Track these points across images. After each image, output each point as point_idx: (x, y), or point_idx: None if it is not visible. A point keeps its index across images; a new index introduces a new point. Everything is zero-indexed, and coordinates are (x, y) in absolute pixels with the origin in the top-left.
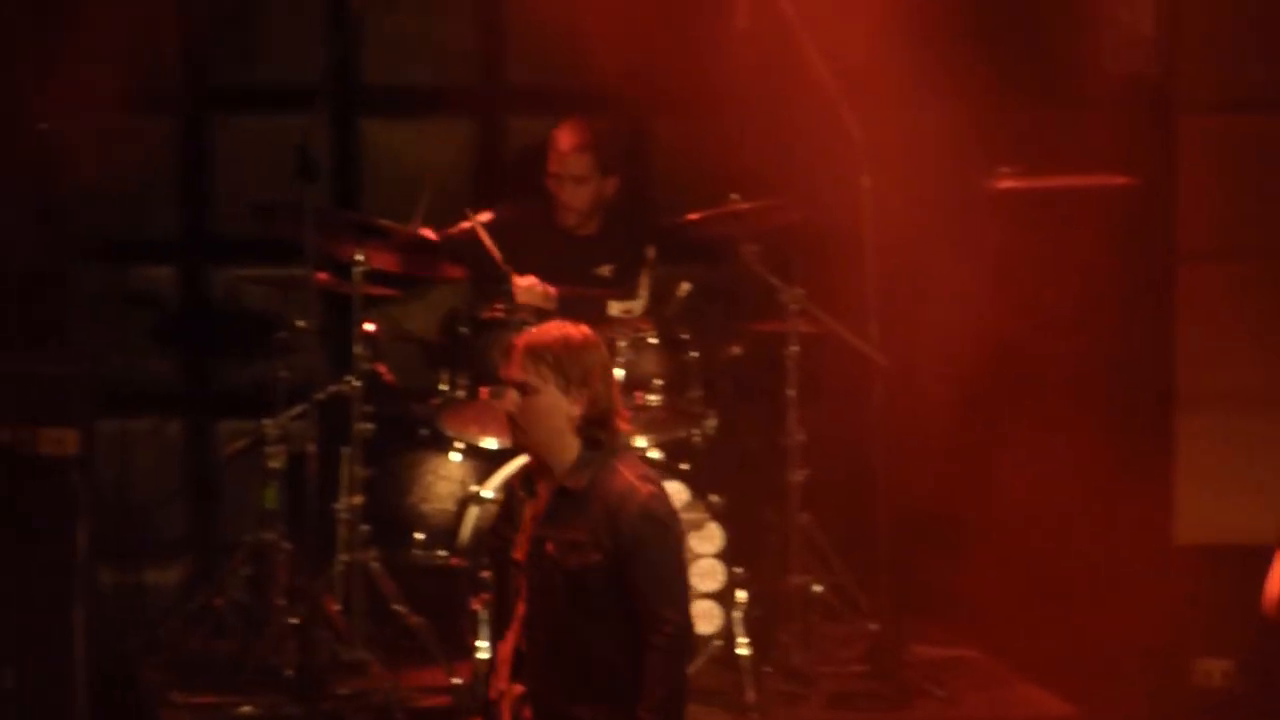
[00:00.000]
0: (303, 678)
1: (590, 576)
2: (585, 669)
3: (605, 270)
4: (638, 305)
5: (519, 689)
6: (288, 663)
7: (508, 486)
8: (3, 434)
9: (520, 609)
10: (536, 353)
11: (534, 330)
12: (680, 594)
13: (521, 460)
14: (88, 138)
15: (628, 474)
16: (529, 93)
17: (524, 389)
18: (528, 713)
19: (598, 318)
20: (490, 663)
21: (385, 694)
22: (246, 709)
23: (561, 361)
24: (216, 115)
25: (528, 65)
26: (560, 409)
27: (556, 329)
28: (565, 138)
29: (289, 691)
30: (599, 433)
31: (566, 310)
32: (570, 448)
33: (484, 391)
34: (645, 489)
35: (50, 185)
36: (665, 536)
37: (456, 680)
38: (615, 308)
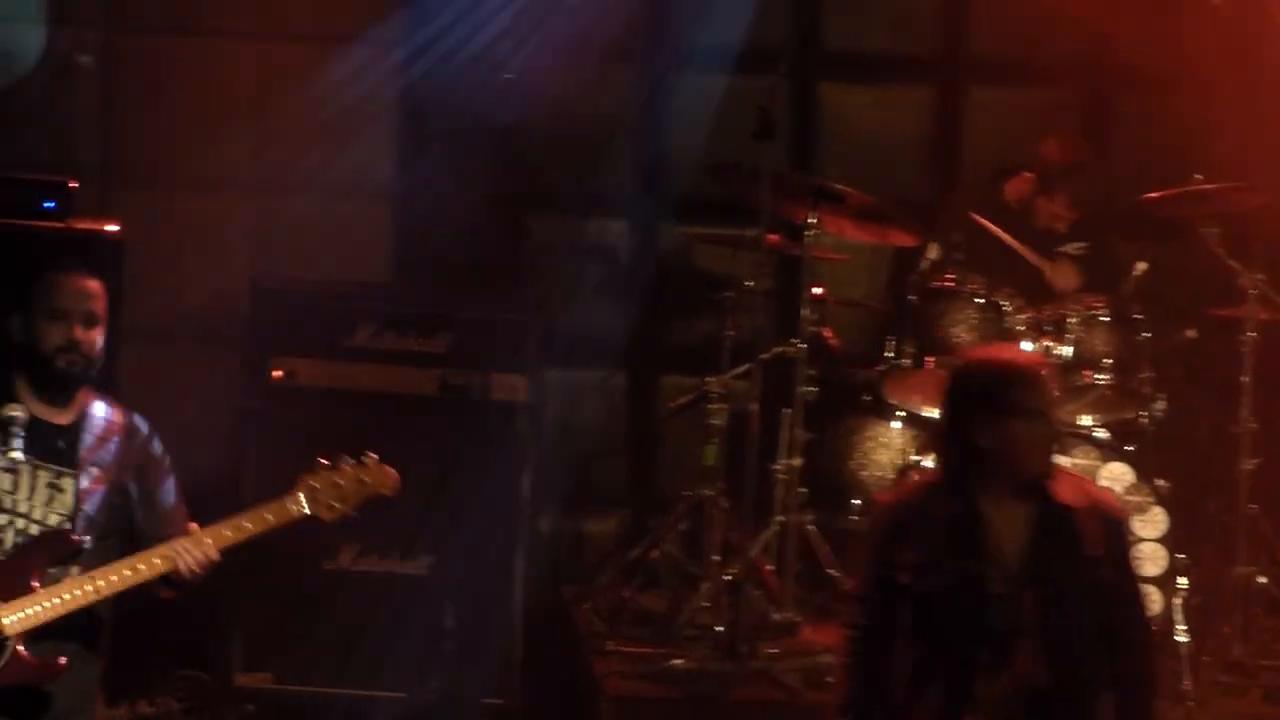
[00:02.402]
0: (734, 635)
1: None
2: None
3: (1073, 248)
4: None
5: None
6: (719, 619)
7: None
8: (458, 378)
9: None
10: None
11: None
12: None
13: None
14: (553, 88)
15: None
16: (991, 62)
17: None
18: None
19: (1038, 285)
20: None
21: (814, 657)
22: (678, 661)
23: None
24: (678, 73)
25: (991, 35)
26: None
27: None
28: (1069, 153)
29: (719, 647)
30: None
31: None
32: None
33: (929, 360)
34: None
35: (513, 134)
36: None
37: None
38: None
